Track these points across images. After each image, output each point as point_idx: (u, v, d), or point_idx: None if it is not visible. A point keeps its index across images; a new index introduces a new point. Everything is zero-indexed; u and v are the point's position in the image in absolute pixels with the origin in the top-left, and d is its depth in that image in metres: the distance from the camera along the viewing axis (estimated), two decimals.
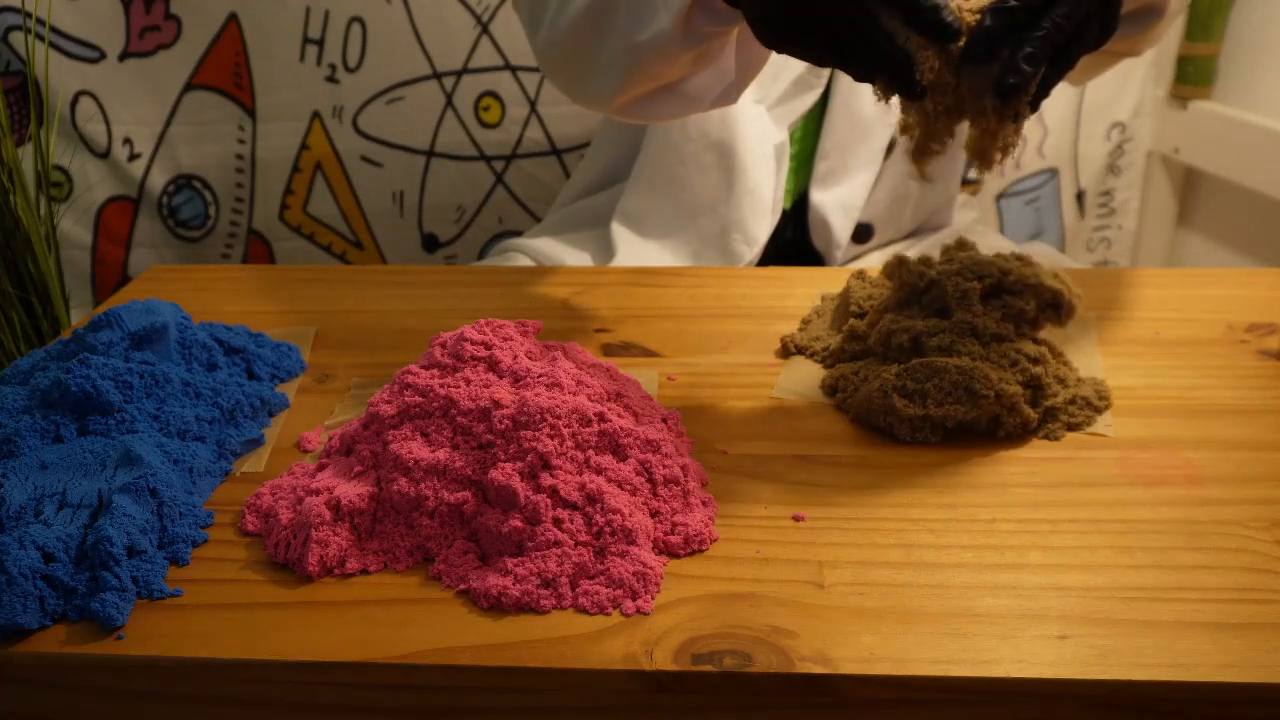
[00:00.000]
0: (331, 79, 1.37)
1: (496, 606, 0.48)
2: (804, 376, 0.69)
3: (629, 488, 0.52)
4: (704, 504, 0.54)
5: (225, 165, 1.40)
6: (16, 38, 1.30)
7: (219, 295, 0.84)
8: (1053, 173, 1.48)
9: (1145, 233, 1.56)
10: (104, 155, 1.37)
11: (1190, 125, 1.47)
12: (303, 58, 1.35)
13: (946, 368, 0.60)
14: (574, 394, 0.54)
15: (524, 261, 1.02)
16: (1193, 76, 1.46)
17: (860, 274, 0.74)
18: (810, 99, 0.95)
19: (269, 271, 0.97)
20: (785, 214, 0.98)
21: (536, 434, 0.51)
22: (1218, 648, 0.44)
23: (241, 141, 1.39)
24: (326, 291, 0.85)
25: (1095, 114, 1.45)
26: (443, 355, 0.58)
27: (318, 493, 0.53)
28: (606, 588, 0.48)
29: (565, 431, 0.52)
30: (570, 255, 1.00)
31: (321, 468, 0.57)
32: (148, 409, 0.60)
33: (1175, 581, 0.49)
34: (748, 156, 0.94)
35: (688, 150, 0.95)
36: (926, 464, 0.58)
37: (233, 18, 1.33)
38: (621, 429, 0.53)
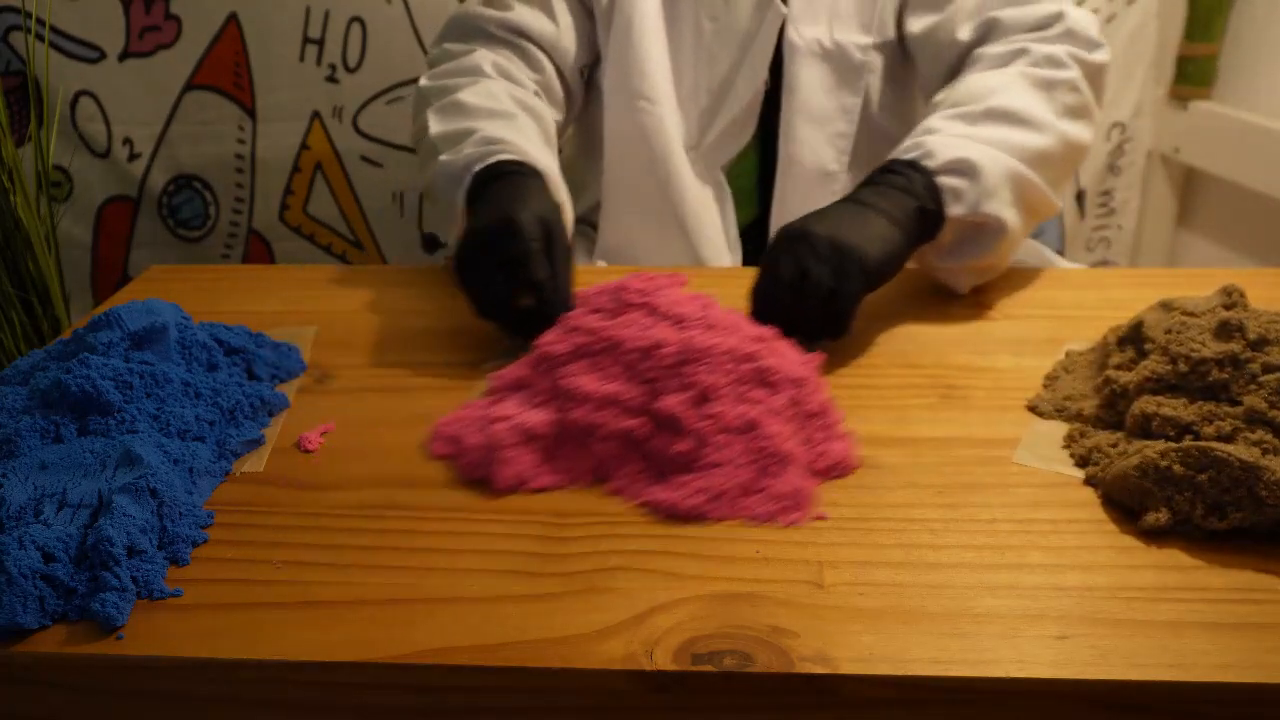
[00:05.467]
0: (331, 79, 1.37)
1: (673, 516, 0.54)
2: (1050, 440, 0.60)
3: (781, 418, 0.57)
4: (844, 435, 0.60)
5: (225, 165, 1.40)
6: (16, 38, 1.30)
7: (219, 295, 0.84)
8: None
9: (1145, 233, 1.56)
10: (104, 155, 1.37)
11: (1190, 125, 1.47)
12: (303, 58, 1.35)
13: (1228, 460, 0.50)
14: (729, 335, 0.60)
15: None
16: (1193, 76, 1.46)
17: (1116, 328, 0.65)
18: (740, 143, 0.97)
19: (269, 271, 0.97)
20: (754, 250, 0.99)
21: (699, 369, 0.57)
22: (1217, 648, 0.44)
23: (241, 141, 1.39)
24: (326, 291, 0.85)
25: None
26: (606, 302, 0.64)
27: (503, 419, 0.59)
28: (767, 502, 0.54)
29: (724, 368, 0.58)
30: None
31: (495, 402, 0.62)
32: (148, 409, 0.60)
33: (1175, 581, 0.49)
34: (691, 201, 0.97)
35: (638, 195, 0.98)
36: (926, 464, 0.58)
37: (233, 18, 1.34)
38: (772, 366, 0.59)
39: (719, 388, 0.57)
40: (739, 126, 0.96)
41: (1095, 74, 0.86)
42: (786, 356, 0.61)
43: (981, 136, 0.76)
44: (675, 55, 0.96)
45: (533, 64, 0.94)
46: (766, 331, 0.63)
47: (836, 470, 0.58)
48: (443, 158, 0.81)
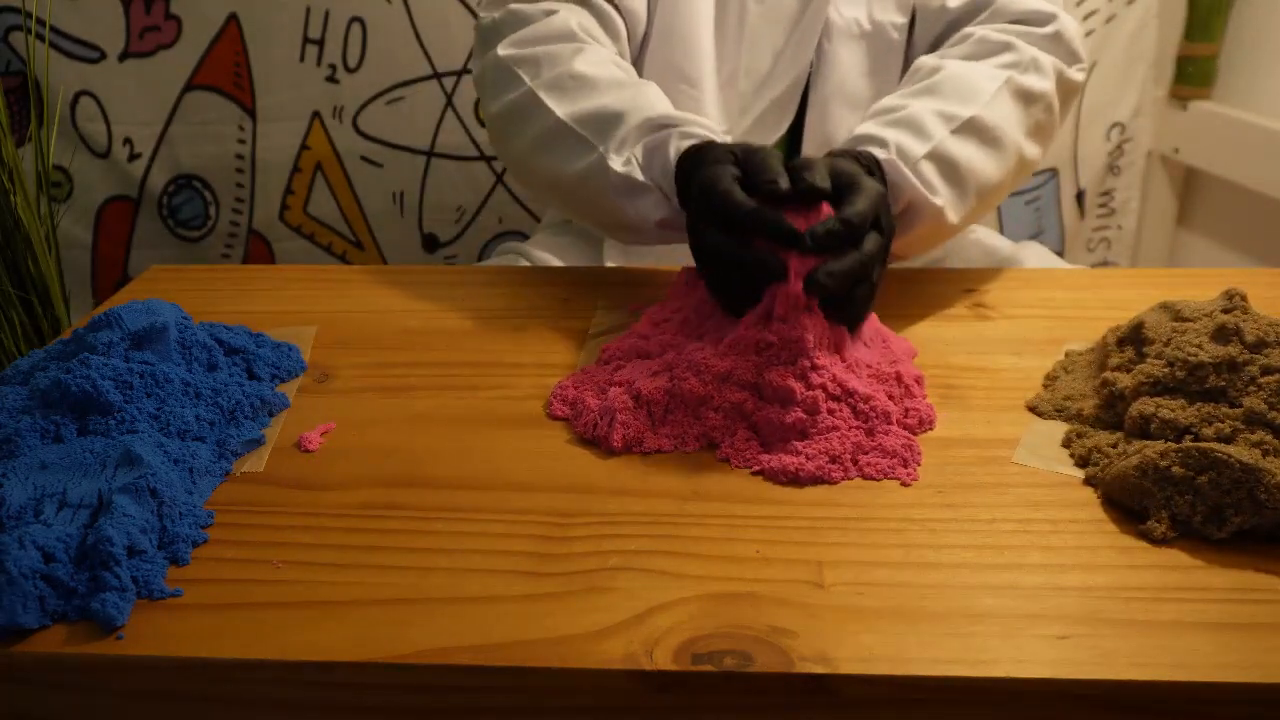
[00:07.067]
0: (331, 79, 1.37)
1: (794, 481, 0.56)
2: (1050, 440, 0.60)
3: (872, 381, 0.62)
4: (924, 394, 0.64)
5: (225, 165, 1.40)
6: (17, 38, 1.30)
7: (219, 295, 0.84)
8: (1052, 173, 1.48)
9: (1145, 233, 1.56)
10: (104, 155, 1.37)
11: (1190, 125, 1.47)
12: (303, 58, 1.36)
13: (1228, 462, 0.50)
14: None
15: (525, 264, 1.02)
16: (1193, 76, 1.46)
17: (1116, 329, 0.65)
18: (778, 132, 0.95)
19: (269, 271, 0.97)
20: None
21: (805, 335, 0.61)
22: (1218, 648, 0.44)
23: (241, 141, 1.39)
24: (326, 291, 0.85)
25: (1095, 114, 1.45)
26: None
27: (620, 385, 0.63)
28: (883, 458, 0.57)
29: (825, 337, 0.62)
30: (569, 261, 1.00)
31: (617, 369, 0.66)
32: (148, 409, 0.60)
33: (1175, 581, 0.49)
34: None
35: None
36: (926, 464, 0.58)
37: (233, 18, 1.34)
38: (869, 328, 0.66)
39: (820, 355, 0.61)
40: (778, 112, 0.94)
41: (1069, 91, 0.85)
42: (875, 331, 0.67)
43: (958, 156, 0.75)
44: (719, 38, 0.93)
45: (610, 29, 0.89)
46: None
47: (924, 426, 0.61)
48: (615, 165, 0.75)
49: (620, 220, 0.78)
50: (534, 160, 0.82)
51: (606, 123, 0.77)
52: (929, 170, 0.73)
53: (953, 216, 0.75)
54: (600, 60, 0.82)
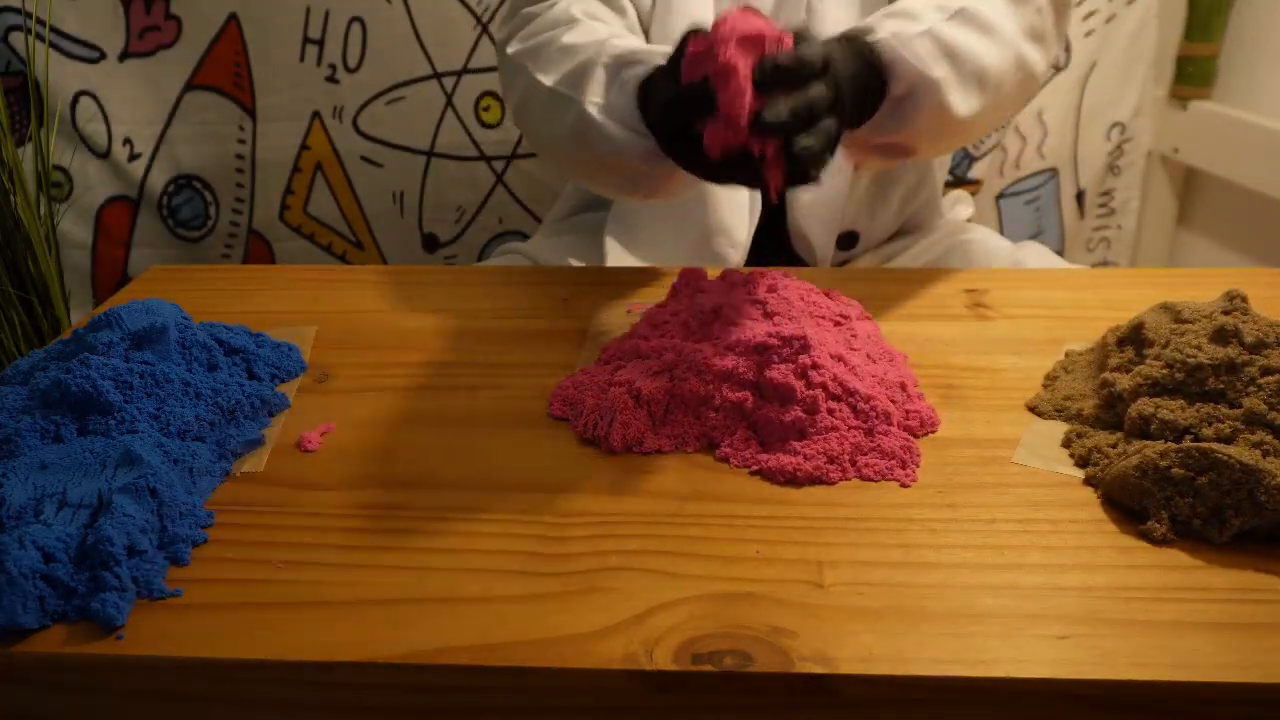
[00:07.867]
0: (331, 79, 1.37)
1: (791, 481, 0.57)
2: (1050, 440, 0.60)
3: (875, 383, 0.62)
4: (924, 397, 0.64)
5: (225, 165, 1.40)
6: (16, 38, 1.30)
7: (219, 295, 0.84)
8: (1052, 173, 1.48)
9: (1145, 233, 1.56)
10: (104, 155, 1.37)
11: (1190, 125, 1.47)
12: (303, 58, 1.35)
13: (1228, 463, 0.50)
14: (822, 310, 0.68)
15: (525, 264, 1.02)
16: (1193, 76, 1.46)
17: (1115, 329, 0.66)
18: None
19: (269, 271, 0.97)
20: (765, 226, 0.98)
21: (806, 338, 0.62)
22: (1218, 648, 0.44)
23: (241, 141, 1.39)
24: (326, 291, 0.85)
25: (1095, 114, 1.45)
26: (716, 284, 0.72)
27: (620, 385, 0.63)
28: (881, 459, 0.57)
29: (827, 337, 0.63)
30: (569, 260, 1.00)
31: (617, 369, 0.66)
32: (148, 409, 0.60)
33: (1175, 581, 0.49)
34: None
35: None
36: (926, 464, 0.58)
37: (233, 18, 1.33)
38: (862, 334, 0.67)
39: (822, 356, 0.61)
40: None
41: (1061, 4, 0.84)
42: (871, 336, 0.69)
43: (954, 39, 0.74)
44: (717, 4, 0.93)
45: (615, 7, 0.91)
46: (852, 310, 0.70)
47: (925, 428, 0.61)
48: (594, 115, 0.74)
49: (618, 171, 0.77)
50: (546, 141, 0.83)
51: (579, 76, 0.77)
52: (924, 47, 0.72)
53: (954, 98, 0.74)
54: (589, 30, 0.83)
